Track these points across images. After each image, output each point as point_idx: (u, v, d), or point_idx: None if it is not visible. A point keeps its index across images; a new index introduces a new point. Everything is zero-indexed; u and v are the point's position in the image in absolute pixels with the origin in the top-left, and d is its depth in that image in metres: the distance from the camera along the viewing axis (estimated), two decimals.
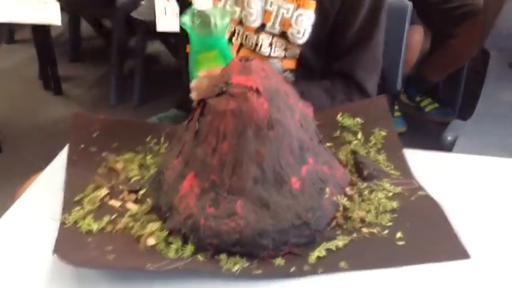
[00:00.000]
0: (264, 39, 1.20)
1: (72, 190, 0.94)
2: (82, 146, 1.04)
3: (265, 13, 1.20)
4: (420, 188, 0.95)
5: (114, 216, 0.88)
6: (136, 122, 1.14)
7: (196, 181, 0.83)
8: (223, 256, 0.81)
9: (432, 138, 1.57)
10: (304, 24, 1.17)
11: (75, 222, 0.87)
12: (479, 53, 1.90)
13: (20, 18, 2.28)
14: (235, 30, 1.23)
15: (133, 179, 0.96)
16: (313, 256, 0.81)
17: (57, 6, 2.16)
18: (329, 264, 0.80)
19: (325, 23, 1.18)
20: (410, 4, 1.45)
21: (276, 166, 0.82)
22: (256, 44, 1.20)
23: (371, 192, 0.93)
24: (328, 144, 1.01)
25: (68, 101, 3.00)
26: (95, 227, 0.86)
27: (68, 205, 0.90)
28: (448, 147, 1.61)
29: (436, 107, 2.76)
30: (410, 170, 0.99)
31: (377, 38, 1.21)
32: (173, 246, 0.81)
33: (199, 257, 0.80)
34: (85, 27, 3.39)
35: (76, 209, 0.89)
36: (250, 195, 0.81)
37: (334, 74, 1.22)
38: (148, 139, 1.06)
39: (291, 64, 1.22)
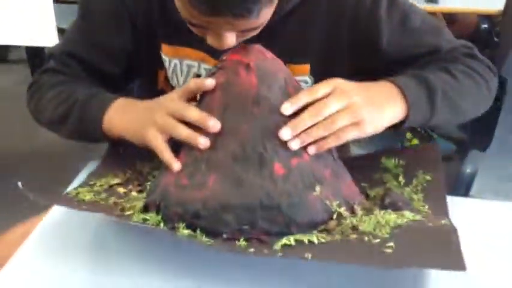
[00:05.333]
0: None
1: (93, 176, 0.93)
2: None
3: None
4: (446, 219, 0.80)
5: (111, 196, 0.87)
6: None
7: (183, 157, 0.82)
8: (182, 226, 0.77)
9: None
10: None
11: (77, 194, 0.87)
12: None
13: (15, 40, 2.19)
14: None
15: (145, 180, 0.94)
16: (279, 243, 0.74)
17: (54, 26, 2.08)
18: (292, 252, 0.73)
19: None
20: None
21: (258, 146, 0.78)
22: None
23: (383, 213, 0.81)
24: (363, 184, 0.92)
25: None
26: (88, 197, 0.86)
27: (81, 185, 0.91)
28: (467, 181, 1.46)
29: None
30: (448, 211, 0.84)
31: (416, 18, 1.02)
32: (142, 215, 0.80)
33: (161, 226, 0.79)
34: None
35: (85, 188, 0.89)
36: (226, 172, 0.78)
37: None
38: None
39: None
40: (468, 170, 1.50)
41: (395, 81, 0.90)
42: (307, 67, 1.03)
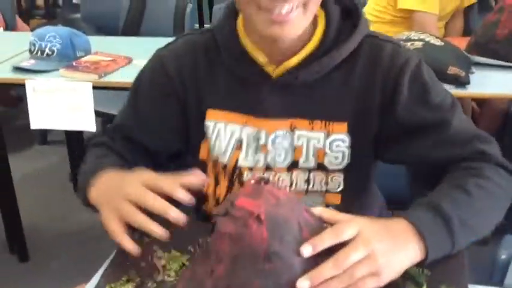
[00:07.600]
0: (299, 177, 1.09)
1: (106, 279, 0.91)
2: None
3: (295, 149, 1.08)
4: None
5: None
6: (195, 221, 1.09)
7: None
8: None
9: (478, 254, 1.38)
10: (341, 149, 1.08)
11: None
12: None
13: (55, 125, 2.28)
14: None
15: (159, 278, 0.91)
16: None
17: (92, 112, 2.17)
18: None
19: (365, 140, 1.08)
20: None
21: None
22: (291, 185, 1.09)
23: None
24: None
25: None
26: None
27: None
28: (503, 267, 1.41)
29: None
30: None
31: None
32: None
33: None
34: None
35: None
36: None
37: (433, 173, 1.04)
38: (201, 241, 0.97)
39: (335, 199, 1.10)
40: (503, 256, 1.46)
41: (412, 220, 0.88)
42: (345, 125, 1.07)
